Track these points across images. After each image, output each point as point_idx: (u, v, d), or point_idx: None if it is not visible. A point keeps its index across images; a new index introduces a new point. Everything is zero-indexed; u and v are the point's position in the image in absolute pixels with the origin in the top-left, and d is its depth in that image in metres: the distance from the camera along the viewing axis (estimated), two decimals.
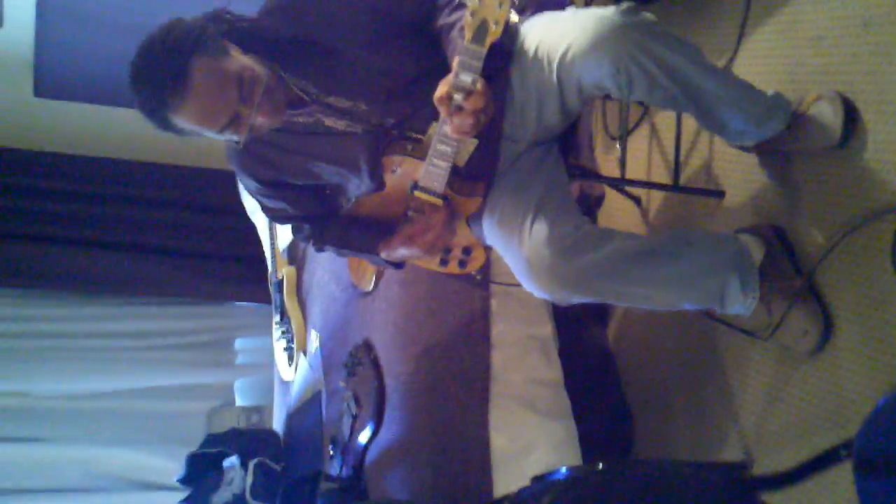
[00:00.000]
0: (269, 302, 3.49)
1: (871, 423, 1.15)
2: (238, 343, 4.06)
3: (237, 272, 3.91)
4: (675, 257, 1.69)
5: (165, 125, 1.60)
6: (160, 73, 1.53)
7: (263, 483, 2.82)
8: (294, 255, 3.39)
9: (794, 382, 1.82)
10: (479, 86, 1.48)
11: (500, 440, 2.05)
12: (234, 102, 1.58)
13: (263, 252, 3.58)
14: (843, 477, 1.64)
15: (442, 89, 1.51)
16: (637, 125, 2.40)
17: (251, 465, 2.85)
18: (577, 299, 1.68)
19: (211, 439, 3.06)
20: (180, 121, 1.58)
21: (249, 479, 2.82)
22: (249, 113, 1.60)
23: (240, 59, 1.60)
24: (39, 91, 3.52)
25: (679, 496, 1.29)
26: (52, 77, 3.50)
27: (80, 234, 3.65)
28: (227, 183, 3.34)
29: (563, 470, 1.77)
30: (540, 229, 1.67)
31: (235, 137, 1.65)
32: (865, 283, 1.67)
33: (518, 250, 1.69)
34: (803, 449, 1.78)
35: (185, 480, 2.94)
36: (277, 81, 1.66)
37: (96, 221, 3.68)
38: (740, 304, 1.74)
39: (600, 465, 1.69)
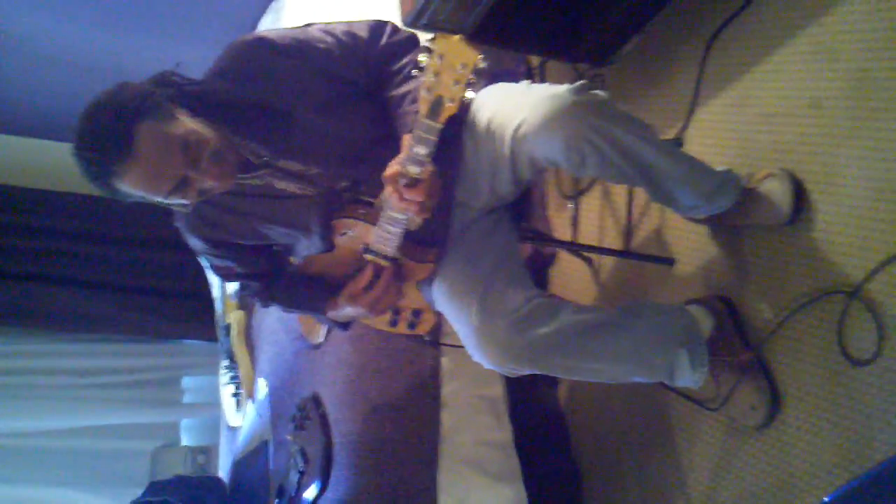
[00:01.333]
0: (217, 340, 3.44)
1: None
2: (185, 382, 3.99)
3: (186, 309, 3.86)
4: (624, 331, 1.70)
5: (111, 191, 1.56)
6: (104, 138, 1.50)
7: None
8: (244, 300, 3.34)
9: (742, 455, 1.83)
10: (425, 176, 1.48)
11: (448, 501, 2.03)
12: (181, 167, 1.55)
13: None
14: None
15: (392, 169, 1.50)
16: (590, 186, 2.41)
17: None
18: (526, 372, 1.68)
19: (154, 487, 2.98)
20: (126, 186, 1.54)
21: None
22: (197, 177, 1.58)
23: (186, 123, 1.57)
24: None
25: None
26: (2, 112, 3.44)
27: (24, 268, 3.58)
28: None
29: None
30: (490, 302, 1.66)
31: (184, 202, 1.62)
32: (813, 360, 1.68)
33: (468, 322, 1.68)
34: None
35: None
36: (226, 145, 1.63)
37: (42, 256, 3.62)
38: (689, 377, 1.75)
39: None
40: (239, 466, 3.07)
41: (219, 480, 3.15)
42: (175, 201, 1.61)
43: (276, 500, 2.48)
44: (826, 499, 1.14)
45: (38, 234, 3.59)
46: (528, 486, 2.06)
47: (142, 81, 1.59)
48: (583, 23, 2.08)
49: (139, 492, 2.99)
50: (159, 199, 1.59)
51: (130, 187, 1.54)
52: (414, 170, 1.48)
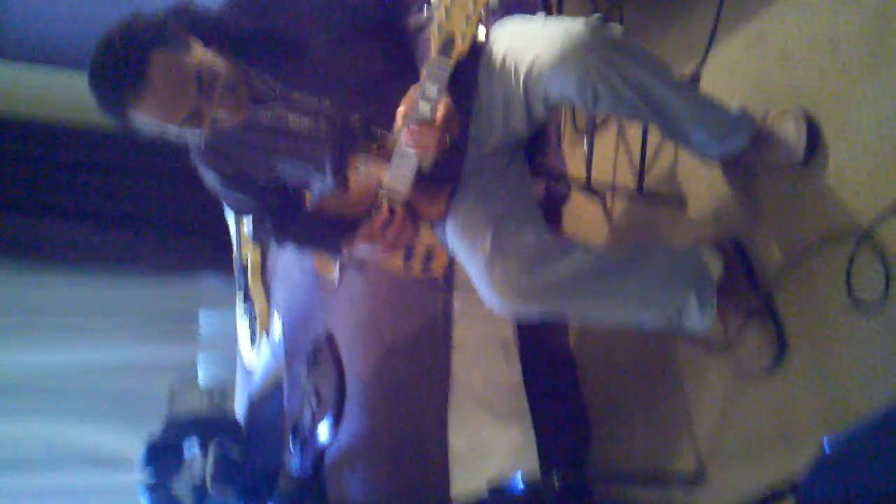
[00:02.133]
0: (233, 275, 3.47)
1: (815, 468, 1.16)
2: (202, 316, 4.03)
3: (202, 244, 3.87)
4: (634, 273, 1.70)
5: (125, 121, 1.57)
6: (119, 67, 1.51)
7: (224, 470, 2.82)
8: (259, 237, 3.35)
9: (747, 398, 1.83)
10: (438, 113, 1.47)
11: (458, 441, 2.06)
12: (194, 96, 1.56)
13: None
14: None
15: (406, 103, 1.50)
16: (605, 121, 2.39)
17: (212, 450, 2.85)
18: (535, 312, 1.69)
19: (171, 421, 3.05)
20: (139, 115, 1.55)
21: (210, 466, 2.82)
22: (210, 108, 1.58)
23: (200, 54, 1.57)
24: (1, 53, 3.44)
25: None
26: (13, 39, 3.42)
27: (39, 202, 3.58)
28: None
29: (520, 482, 1.80)
30: (501, 241, 1.67)
31: (197, 132, 1.63)
32: (821, 305, 1.67)
33: (479, 261, 1.68)
34: (754, 465, 1.80)
35: (145, 464, 2.93)
36: (240, 76, 1.64)
37: (56, 189, 3.62)
38: (697, 319, 1.75)
39: (556, 483, 1.72)
40: (254, 406, 3.13)
41: (234, 421, 3.21)
42: (189, 131, 1.62)
43: (291, 438, 2.54)
44: (825, 439, 1.15)
45: (54, 168, 3.59)
46: (537, 426, 2.09)
47: (156, 11, 1.58)
48: None
49: (157, 428, 3.05)
50: (173, 128, 1.60)
51: (144, 116, 1.55)
52: (425, 108, 1.47)
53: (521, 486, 1.76)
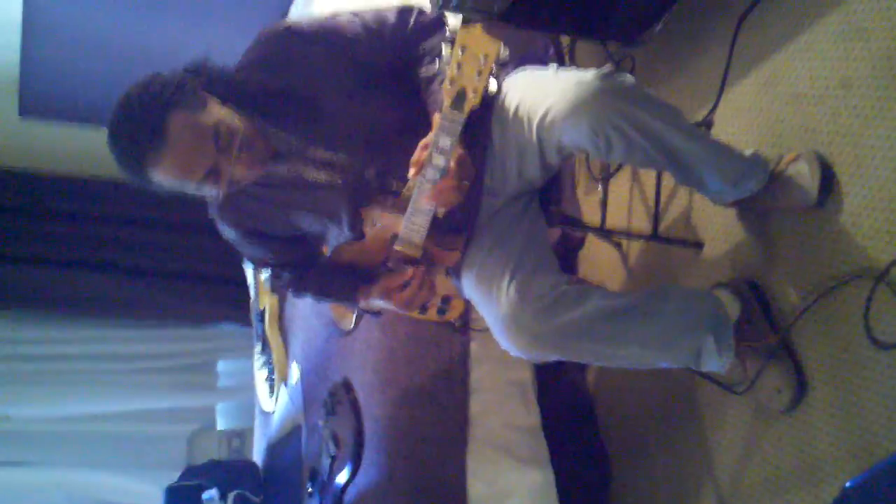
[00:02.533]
0: (251, 324, 3.49)
1: None
2: (220, 366, 4.05)
3: (221, 294, 3.91)
4: (651, 316, 1.70)
5: (144, 180, 1.60)
6: (137, 128, 1.54)
7: None
8: (276, 287, 3.38)
9: (768, 438, 1.83)
10: (452, 163, 1.49)
11: (477, 486, 2.05)
12: (212, 155, 1.59)
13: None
14: None
15: (418, 155, 1.52)
16: (619, 168, 2.41)
17: (231, 497, 2.85)
18: (553, 358, 1.70)
19: (190, 471, 3.05)
20: (159, 175, 1.58)
21: None
22: (228, 165, 1.61)
23: (217, 112, 1.61)
24: (24, 111, 3.51)
25: None
26: (36, 97, 3.49)
27: (63, 254, 3.65)
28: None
29: None
30: (517, 289, 1.67)
31: (215, 190, 1.66)
32: (839, 344, 1.67)
33: (495, 309, 1.69)
34: None
35: None
36: (256, 133, 1.67)
37: (79, 242, 3.68)
38: (715, 362, 1.75)
39: None
40: (273, 450, 3.13)
41: (252, 464, 3.21)
42: (207, 189, 1.65)
43: (309, 483, 2.53)
44: (848, 483, 1.14)
45: (76, 221, 3.65)
46: (557, 469, 2.08)
47: (173, 71, 1.62)
48: (613, 1, 2.07)
49: (176, 475, 3.05)
50: (192, 186, 1.63)
51: (163, 176, 1.58)
52: (439, 160, 1.49)
53: None
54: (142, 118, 1.54)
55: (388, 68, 1.73)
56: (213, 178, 1.62)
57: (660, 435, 2.20)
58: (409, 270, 1.78)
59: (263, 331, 3.28)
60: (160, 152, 1.54)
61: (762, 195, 1.77)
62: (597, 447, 2.37)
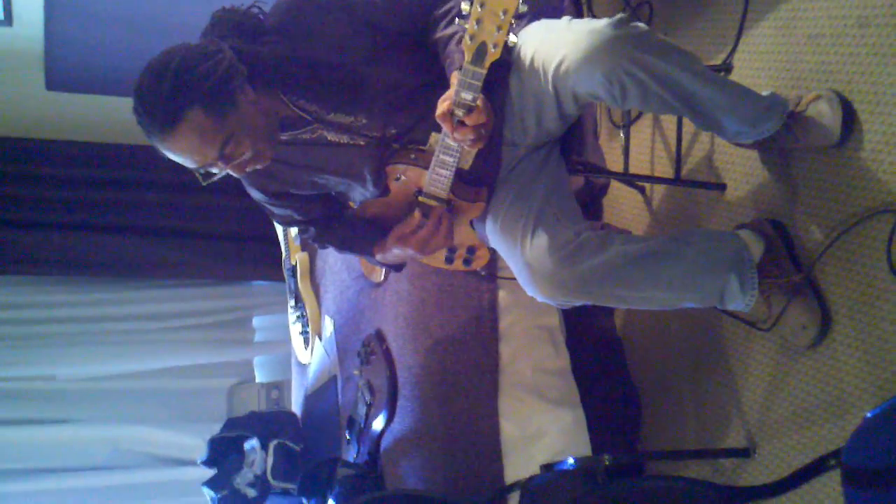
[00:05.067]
0: (284, 280, 3.56)
1: (858, 436, 1.20)
2: (256, 321, 4.13)
3: (253, 252, 3.97)
4: (674, 259, 1.73)
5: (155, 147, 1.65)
6: (156, 108, 1.56)
7: (284, 463, 2.90)
8: (305, 242, 3.44)
9: (794, 373, 1.87)
10: (479, 103, 1.51)
11: (509, 428, 2.11)
12: (212, 157, 1.63)
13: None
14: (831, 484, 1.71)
15: (443, 106, 1.54)
16: (640, 114, 2.42)
17: (271, 446, 2.94)
18: (578, 303, 1.74)
19: (231, 423, 3.14)
20: (163, 151, 1.63)
21: (270, 460, 2.91)
22: (223, 168, 1.67)
23: (238, 118, 1.61)
24: (51, 84, 3.57)
25: None
26: (62, 70, 3.54)
27: (99, 219, 3.71)
28: None
29: (571, 460, 1.85)
30: (541, 237, 1.71)
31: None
32: (862, 279, 1.70)
33: (520, 257, 1.73)
34: (803, 438, 1.83)
35: (207, 462, 3.03)
36: (278, 102, 1.70)
37: (113, 207, 3.73)
38: (740, 300, 1.78)
39: (606, 460, 1.77)
40: (310, 400, 3.21)
41: (292, 414, 3.30)
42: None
43: (347, 431, 2.61)
44: (869, 414, 1.18)
45: (112, 186, 3.71)
46: (588, 408, 2.14)
47: (221, 56, 1.60)
48: None
49: (218, 427, 3.15)
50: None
51: (166, 153, 1.63)
52: (460, 114, 1.52)
53: (572, 467, 1.80)
54: (167, 98, 1.54)
55: (405, 32, 1.74)
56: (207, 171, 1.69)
57: (687, 374, 2.24)
58: (417, 214, 1.81)
59: (296, 286, 3.34)
60: (167, 137, 1.57)
61: (783, 136, 1.78)
62: (626, 387, 2.42)
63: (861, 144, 1.71)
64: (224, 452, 3.03)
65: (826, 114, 1.72)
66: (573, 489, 1.83)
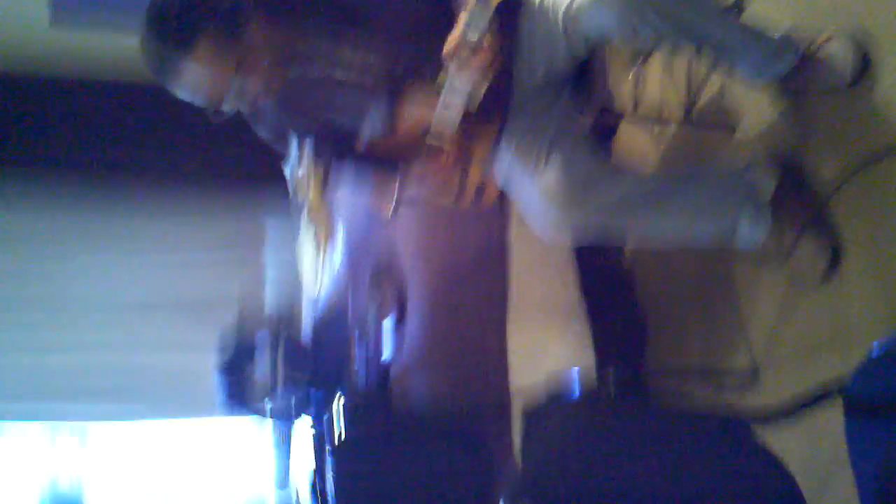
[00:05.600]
0: (293, 213, 3.56)
1: (863, 367, 1.21)
2: (266, 254, 4.13)
3: (263, 186, 3.96)
4: (685, 195, 1.76)
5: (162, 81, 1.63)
6: (170, 31, 1.56)
7: (294, 356, 2.92)
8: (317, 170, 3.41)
9: (802, 306, 1.88)
10: (486, 43, 1.50)
11: (516, 342, 2.14)
12: (223, 89, 1.63)
13: None
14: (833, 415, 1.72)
15: (450, 45, 1.53)
16: (650, 54, 2.38)
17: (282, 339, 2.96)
18: (590, 231, 1.76)
19: (243, 316, 3.15)
20: (172, 84, 1.62)
21: (282, 354, 2.92)
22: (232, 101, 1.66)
23: (247, 42, 1.61)
24: (56, 19, 3.51)
25: (680, 439, 1.36)
26: (67, 4, 3.48)
27: (106, 157, 3.71)
28: None
29: (575, 373, 1.87)
30: (552, 170, 1.73)
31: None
32: (875, 216, 1.71)
33: (531, 191, 1.76)
34: (807, 366, 1.87)
35: (221, 353, 3.07)
36: (286, 36, 1.69)
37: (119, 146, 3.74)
38: (751, 233, 1.80)
39: (611, 373, 1.79)
40: (320, 328, 3.21)
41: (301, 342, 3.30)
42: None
43: (357, 343, 2.64)
44: (874, 346, 1.19)
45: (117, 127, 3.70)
46: (594, 326, 2.17)
47: None
48: None
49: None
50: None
51: (176, 88, 1.62)
52: (471, 45, 1.50)
53: (577, 381, 1.83)
54: (179, 20, 1.55)
55: None
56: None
57: (696, 295, 2.27)
58: (426, 153, 1.81)
59: (306, 217, 3.33)
60: (179, 65, 1.57)
61: (796, 76, 1.76)
62: (633, 305, 2.42)
63: (875, 84, 1.68)
64: (237, 344, 3.06)
65: (838, 54, 1.70)
66: (577, 402, 1.86)
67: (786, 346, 1.93)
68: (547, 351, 2.14)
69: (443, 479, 2.15)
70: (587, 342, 2.14)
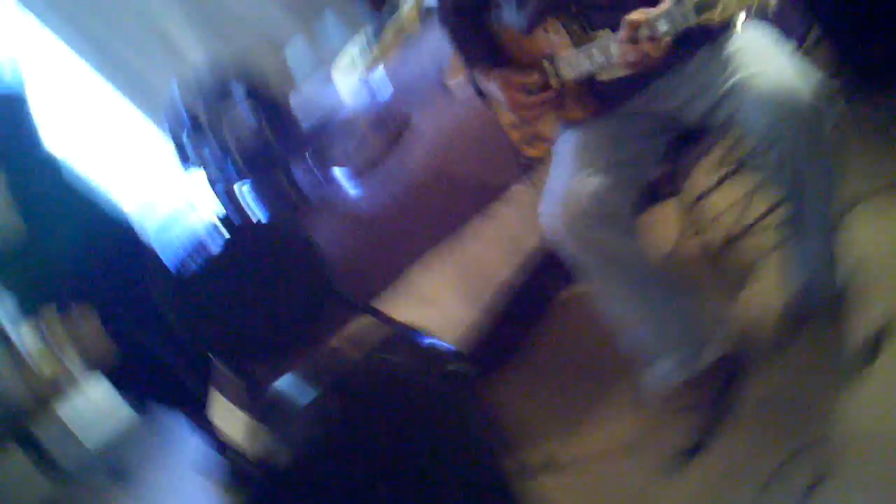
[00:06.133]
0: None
1: None
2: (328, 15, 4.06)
3: None
4: (659, 300, 1.79)
5: None
6: None
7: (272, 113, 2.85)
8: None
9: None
10: (664, 41, 1.48)
11: (419, 278, 2.18)
12: None
13: None
14: None
15: (636, 15, 1.50)
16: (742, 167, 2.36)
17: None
18: (567, 252, 1.76)
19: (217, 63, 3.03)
20: None
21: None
22: None
23: None
24: None
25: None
26: None
27: None
28: None
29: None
30: (594, 182, 1.72)
31: None
32: None
33: (565, 181, 1.75)
34: None
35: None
36: None
37: None
38: (662, 374, 1.85)
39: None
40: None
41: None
42: None
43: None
44: None
45: None
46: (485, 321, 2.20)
47: None
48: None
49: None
50: None
51: None
52: (644, 34, 1.49)
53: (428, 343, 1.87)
54: None
55: None
56: None
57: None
58: (536, 76, 1.80)
59: (383, 28, 3.27)
60: None
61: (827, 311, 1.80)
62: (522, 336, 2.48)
63: None
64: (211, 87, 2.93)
65: None
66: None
67: None
68: (432, 306, 2.18)
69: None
70: (467, 326, 2.19)
